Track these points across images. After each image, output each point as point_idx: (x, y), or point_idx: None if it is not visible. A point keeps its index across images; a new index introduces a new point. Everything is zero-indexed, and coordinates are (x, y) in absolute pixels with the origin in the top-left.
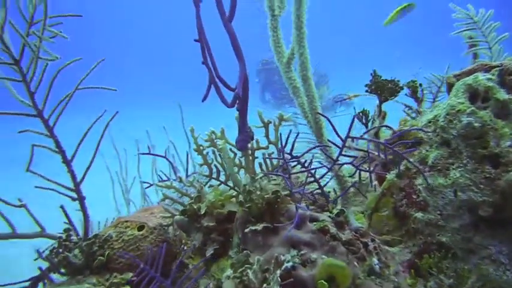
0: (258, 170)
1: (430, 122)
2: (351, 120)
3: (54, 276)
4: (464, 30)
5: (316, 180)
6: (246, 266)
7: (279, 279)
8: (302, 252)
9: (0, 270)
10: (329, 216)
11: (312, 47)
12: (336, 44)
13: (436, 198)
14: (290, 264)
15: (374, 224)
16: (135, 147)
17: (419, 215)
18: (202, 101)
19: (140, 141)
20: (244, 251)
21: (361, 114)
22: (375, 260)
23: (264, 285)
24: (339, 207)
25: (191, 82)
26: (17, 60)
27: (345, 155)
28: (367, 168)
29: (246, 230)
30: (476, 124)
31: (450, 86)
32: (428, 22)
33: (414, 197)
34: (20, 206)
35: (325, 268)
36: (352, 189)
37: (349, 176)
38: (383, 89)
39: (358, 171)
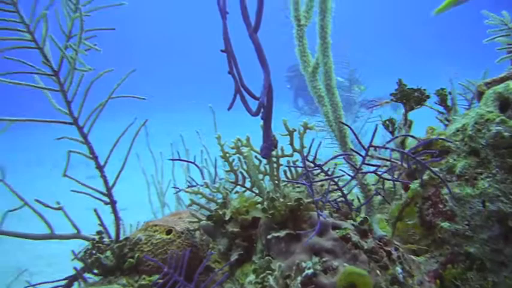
0: (283, 177)
1: (458, 130)
2: (374, 129)
3: (89, 276)
4: (498, 37)
5: (339, 188)
6: (267, 272)
7: (300, 286)
8: (324, 259)
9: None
10: (352, 224)
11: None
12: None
13: (464, 208)
14: (311, 271)
15: (400, 232)
16: (170, 150)
17: (445, 224)
18: (228, 109)
19: (175, 144)
20: (266, 257)
21: (387, 122)
22: (398, 268)
23: None
24: (362, 215)
25: (226, 87)
26: (56, 71)
27: (368, 164)
28: (391, 177)
29: (269, 237)
30: (505, 133)
31: (480, 94)
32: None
33: (441, 206)
34: (57, 209)
35: (345, 276)
36: (379, 197)
37: (373, 184)
38: (409, 98)
39: (381, 179)
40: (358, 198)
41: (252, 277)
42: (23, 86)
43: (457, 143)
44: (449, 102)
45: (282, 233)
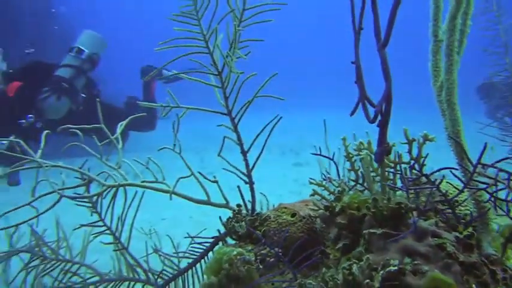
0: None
1: None
2: (483, 147)
3: (230, 239)
4: None
5: (447, 200)
6: (354, 261)
7: (381, 279)
8: (415, 262)
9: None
10: (457, 237)
11: None
12: None
13: None
14: (395, 268)
15: None
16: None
17: None
18: (351, 115)
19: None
20: (359, 249)
21: None
22: None
23: (367, 280)
24: (470, 229)
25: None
26: (220, 72)
27: (477, 181)
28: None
29: (365, 231)
30: None
31: None
32: None
33: None
34: (214, 182)
35: (430, 280)
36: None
37: (486, 201)
38: None
39: (492, 197)
40: (471, 214)
41: (345, 264)
42: (196, 82)
43: None
44: None
45: (379, 231)
